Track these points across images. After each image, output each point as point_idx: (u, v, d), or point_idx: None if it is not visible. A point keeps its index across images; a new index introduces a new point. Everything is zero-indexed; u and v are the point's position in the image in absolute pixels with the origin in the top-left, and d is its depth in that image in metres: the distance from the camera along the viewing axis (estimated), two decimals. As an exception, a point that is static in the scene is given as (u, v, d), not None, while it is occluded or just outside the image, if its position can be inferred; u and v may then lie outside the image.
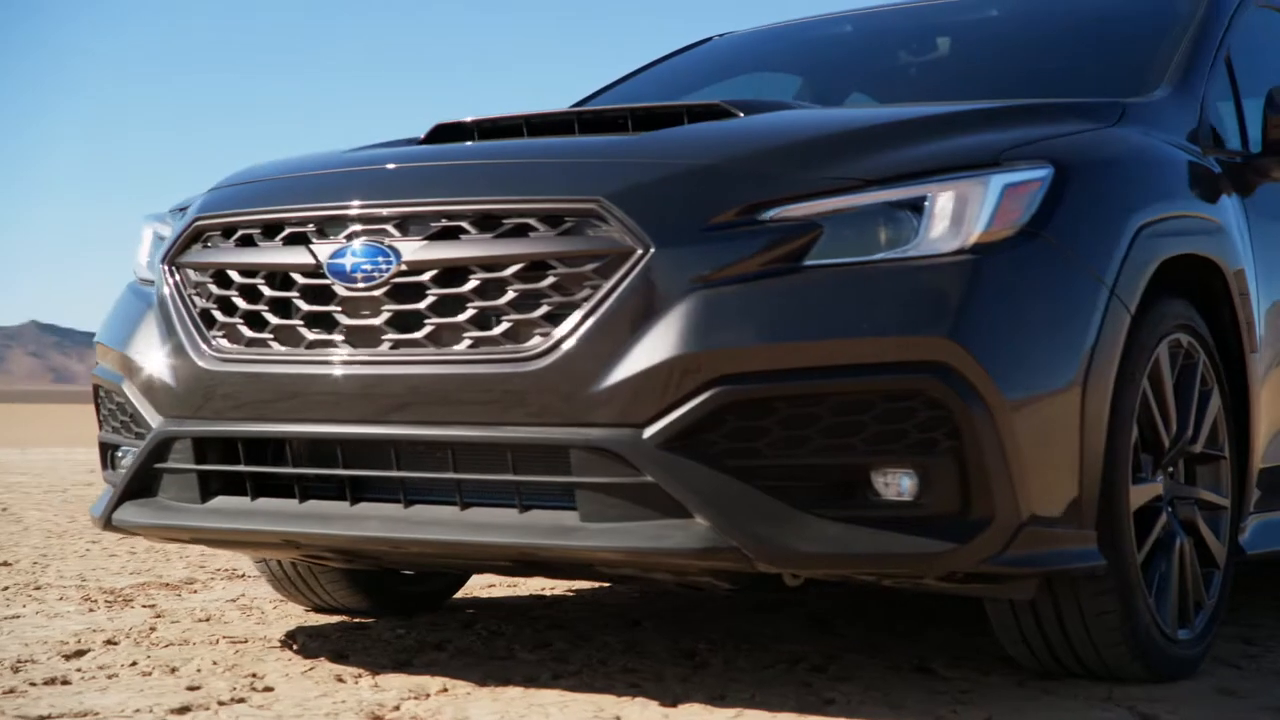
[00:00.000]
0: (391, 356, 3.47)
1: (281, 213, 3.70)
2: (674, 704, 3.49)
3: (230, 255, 3.73)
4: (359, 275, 3.50)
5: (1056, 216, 3.44)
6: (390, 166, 3.74)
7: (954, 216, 3.32)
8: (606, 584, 5.29)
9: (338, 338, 3.54)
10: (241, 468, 3.70)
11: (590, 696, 3.55)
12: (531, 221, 3.39)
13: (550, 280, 3.34)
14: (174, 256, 3.85)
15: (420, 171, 3.69)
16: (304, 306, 3.60)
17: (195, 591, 5.31)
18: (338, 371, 3.53)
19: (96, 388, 4.22)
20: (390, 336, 3.48)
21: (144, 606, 4.93)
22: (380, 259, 3.48)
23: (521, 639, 4.27)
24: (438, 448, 3.46)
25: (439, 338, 3.44)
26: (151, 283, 4.12)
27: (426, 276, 3.44)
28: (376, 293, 3.49)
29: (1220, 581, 4.01)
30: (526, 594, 5.28)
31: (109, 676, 3.80)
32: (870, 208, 3.34)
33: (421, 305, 3.45)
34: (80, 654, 4.07)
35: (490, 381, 3.37)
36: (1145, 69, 4.63)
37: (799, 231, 3.30)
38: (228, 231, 3.77)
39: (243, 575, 5.75)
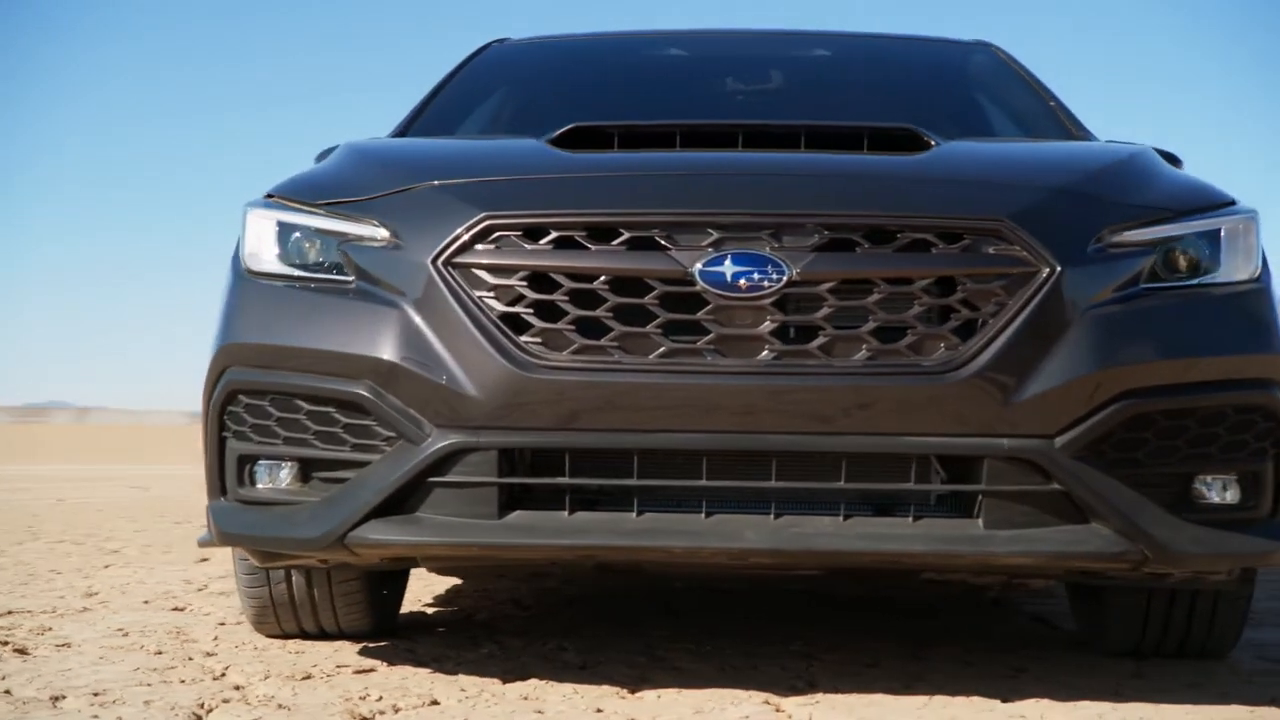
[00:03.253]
0: (778, 367, 3.45)
1: (614, 216, 3.54)
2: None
3: (552, 258, 3.51)
4: (743, 284, 3.45)
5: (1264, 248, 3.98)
6: (746, 173, 3.71)
7: (1243, 247, 3.78)
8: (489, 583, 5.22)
9: (706, 347, 3.46)
10: (565, 480, 3.51)
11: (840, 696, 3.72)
12: (929, 237, 3.50)
13: (959, 295, 3.48)
14: (452, 256, 3.56)
15: (787, 180, 3.68)
16: (663, 314, 3.48)
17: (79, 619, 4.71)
18: (709, 381, 3.45)
19: (234, 393, 3.75)
20: (775, 347, 3.46)
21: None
22: (770, 268, 3.45)
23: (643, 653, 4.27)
24: (828, 458, 3.49)
25: (832, 349, 3.46)
26: (284, 277, 3.76)
27: (823, 288, 3.46)
28: (763, 302, 3.46)
29: None
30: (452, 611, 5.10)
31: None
32: (1184, 236, 3.73)
33: (816, 317, 3.46)
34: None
35: (895, 393, 3.45)
36: (1024, 118, 5.24)
37: (1143, 255, 3.65)
38: (534, 232, 3.54)
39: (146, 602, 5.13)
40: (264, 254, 3.84)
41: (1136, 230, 3.68)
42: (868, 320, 3.47)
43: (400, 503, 3.55)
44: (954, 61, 5.85)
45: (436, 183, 3.73)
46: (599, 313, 3.49)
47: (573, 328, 3.49)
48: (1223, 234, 3.76)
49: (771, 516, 3.50)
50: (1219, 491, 3.63)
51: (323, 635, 4.41)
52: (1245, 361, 3.66)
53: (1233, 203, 3.90)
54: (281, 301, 3.75)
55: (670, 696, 3.65)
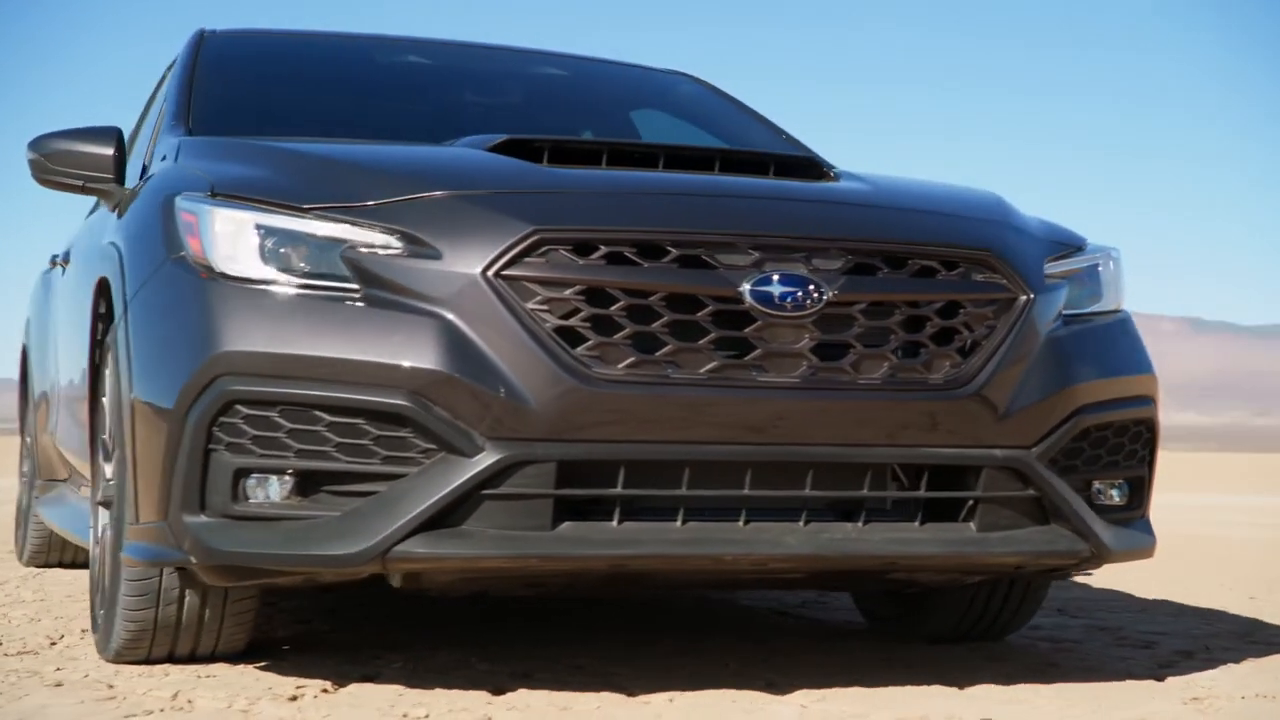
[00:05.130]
0: (815, 383, 3.67)
1: (663, 233, 3.65)
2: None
3: (608, 274, 3.58)
4: (788, 303, 3.65)
5: None
6: (773, 197, 3.89)
7: (1115, 280, 4.33)
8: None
9: (752, 362, 3.64)
10: (618, 491, 3.59)
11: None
12: (934, 264, 3.83)
13: (961, 318, 3.82)
14: (503, 269, 3.56)
15: (811, 206, 3.89)
16: (714, 330, 3.62)
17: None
18: (756, 395, 3.63)
19: (230, 404, 3.58)
20: (813, 363, 3.67)
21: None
22: (811, 288, 3.66)
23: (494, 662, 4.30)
24: (852, 468, 3.73)
25: (859, 366, 3.72)
26: (276, 283, 3.64)
27: (855, 309, 3.71)
28: (805, 321, 3.66)
29: None
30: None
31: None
32: (1082, 270, 4.24)
33: (848, 335, 3.71)
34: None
35: (912, 407, 3.76)
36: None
37: (1062, 287, 4.12)
38: (584, 247, 3.60)
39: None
40: (240, 257, 3.69)
41: (1057, 264, 4.14)
42: (889, 340, 3.74)
43: (445, 516, 3.51)
44: (666, 89, 6.17)
45: (447, 193, 3.71)
46: (654, 327, 3.58)
47: (629, 342, 3.57)
48: (1100, 268, 4.28)
49: (802, 523, 3.70)
50: (1109, 494, 4.12)
51: (190, 659, 4.17)
52: (1137, 380, 4.21)
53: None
54: (289, 309, 3.61)
55: (665, 699, 3.76)
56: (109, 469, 4.36)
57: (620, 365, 3.56)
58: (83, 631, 4.84)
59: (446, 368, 3.51)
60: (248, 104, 5.28)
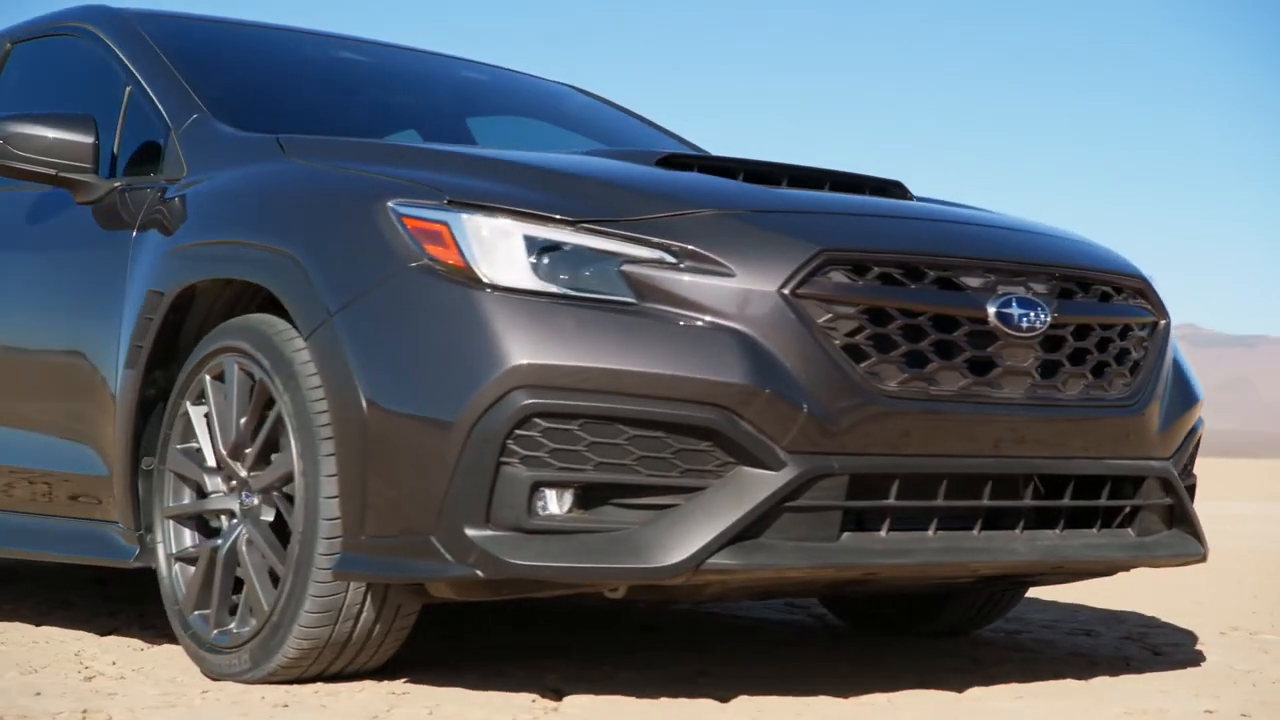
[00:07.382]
0: (1035, 399, 3.94)
1: (921, 256, 3.84)
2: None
3: (885, 294, 3.74)
4: (1023, 324, 3.90)
5: None
6: (976, 225, 4.15)
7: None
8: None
9: (993, 379, 3.87)
10: (890, 502, 3.75)
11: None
12: (1109, 289, 4.17)
13: (1130, 340, 4.19)
14: (797, 287, 3.66)
15: (1019, 235, 4.14)
16: (967, 349, 3.84)
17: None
18: (997, 410, 3.88)
19: (529, 417, 3.54)
20: (1034, 380, 3.94)
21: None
22: (1039, 310, 3.93)
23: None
24: (1064, 480, 4.02)
25: (1066, 384, 4.02)
26: (553, 295, 3.62)
27: (1068, 330, 4.01)
28: (1034, 341, 3.93)
29: None
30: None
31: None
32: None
33: (1060, 354, 4.00)
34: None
35: (1102, 423, 4.09)
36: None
37: None
38: (861, 268, 3.75)
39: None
40: (508, 267, 3.65)
41: None
42: (1086, 359, 4.05)
43: (750, 528, 3.58)
44: (557, 98, 6.25)
45: (717, 211, 3.79)
46: (921, 346, 3.76)
47: (903, 359, 3.74)
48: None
49: (1018, 531, 3.96)
50: None
51: (336, 677, 4.02)
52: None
53: None
54: (580, 321, 3.60)
55: (884, 699, 3.93)
56: (215, 481, 4.16)
57: (894, 382, 3.71)
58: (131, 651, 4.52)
59: (756, 383, 3.57)
60: (243, 93, 5.08)
